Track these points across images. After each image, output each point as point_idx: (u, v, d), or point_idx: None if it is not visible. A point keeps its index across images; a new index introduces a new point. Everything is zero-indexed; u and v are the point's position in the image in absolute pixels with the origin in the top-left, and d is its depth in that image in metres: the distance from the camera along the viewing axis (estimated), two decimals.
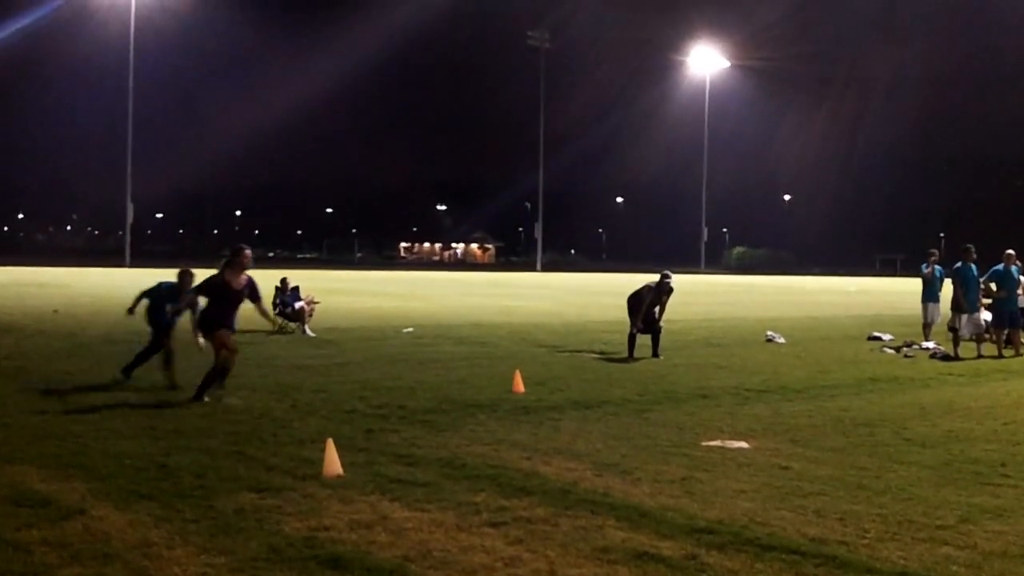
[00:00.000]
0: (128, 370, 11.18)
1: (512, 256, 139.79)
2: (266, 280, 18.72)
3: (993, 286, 16.91)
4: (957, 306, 16.53)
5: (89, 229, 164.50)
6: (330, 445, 6.88)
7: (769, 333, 18.78)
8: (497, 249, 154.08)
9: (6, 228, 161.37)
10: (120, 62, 69.91)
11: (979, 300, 16.84)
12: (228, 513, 5.71)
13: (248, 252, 10.37)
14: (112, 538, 5.23)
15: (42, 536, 5.22)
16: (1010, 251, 17.21)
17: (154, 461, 7.00)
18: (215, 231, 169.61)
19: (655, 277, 15.63)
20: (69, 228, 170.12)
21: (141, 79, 71.23)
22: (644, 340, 14.98)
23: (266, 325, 17.88)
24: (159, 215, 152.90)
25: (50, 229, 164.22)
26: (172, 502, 5.92)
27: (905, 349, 16.92)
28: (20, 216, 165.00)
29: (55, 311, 21.49)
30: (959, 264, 16.85)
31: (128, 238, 70.16)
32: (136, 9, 68.03)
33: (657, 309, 15.27)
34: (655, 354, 14.78)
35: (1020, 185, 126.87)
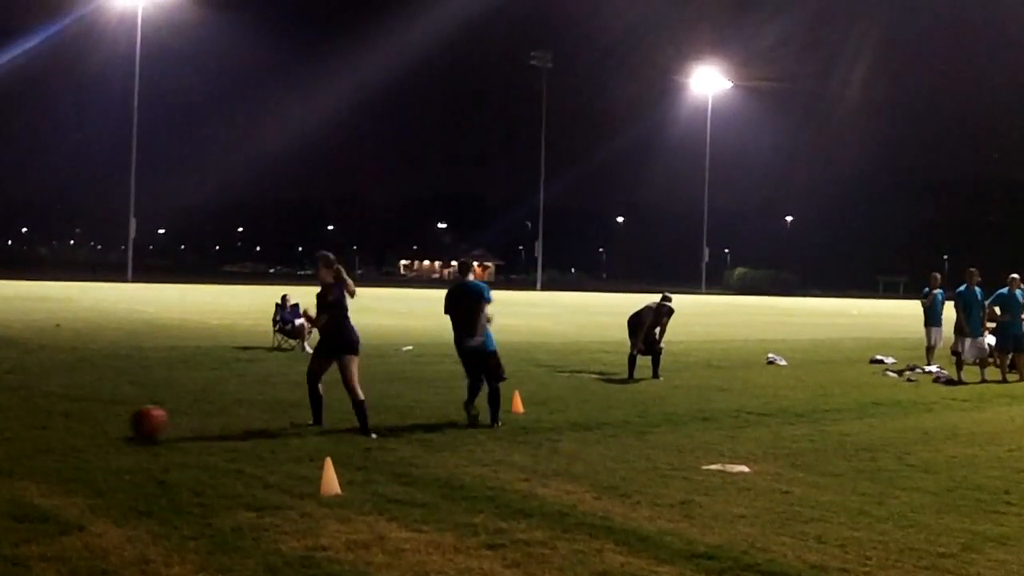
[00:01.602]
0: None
1: (512, 274, 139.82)
2: (267, 297, 18.78)
3: (997, 310, 16.89)
4: (960, 330, 16.51)
5: (92, 243, 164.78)
6: (328, 464, 6.86)
7: (770, 355, 18.75)
8: (497, 267, 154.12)
9: (9, 242, 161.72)
10: (125, 79, 70.37)
11: (983, 324, 16.82)
12: (226, 531, 5.68)
13: (322, 258, 9.57)
14: (110, 554, 5.20)
15: (41, 552, 5.20)
16: (1015, 275, 17.20)
17: (153, 477, 6.98)
18: (216, 247, 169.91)
19: (656, 298, 15.65)
20: (72, 242, 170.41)
21: (146, 96, 71.61)
22: (644, 361, 14.96)
23: (266, 341, 17.97)
24: (161, 230, 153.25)
25: (53, 243, 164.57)
26: (170, 519, 5.89)
27: (908, 373, 16.89)
28: (24, 230, 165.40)
29: (57, 325, 21.48)
30: (963, 287, 16.84)
31: (130, 253, 70.25)
32: (142, 27, 68.40)
33: (657, 330, 15.27)
34: (655, 375, 14.76)
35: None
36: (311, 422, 9.48)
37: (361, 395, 9.18)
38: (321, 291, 9.52)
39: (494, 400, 9.94)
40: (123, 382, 12.25)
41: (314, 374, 9.49)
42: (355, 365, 9.26)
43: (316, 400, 9.50)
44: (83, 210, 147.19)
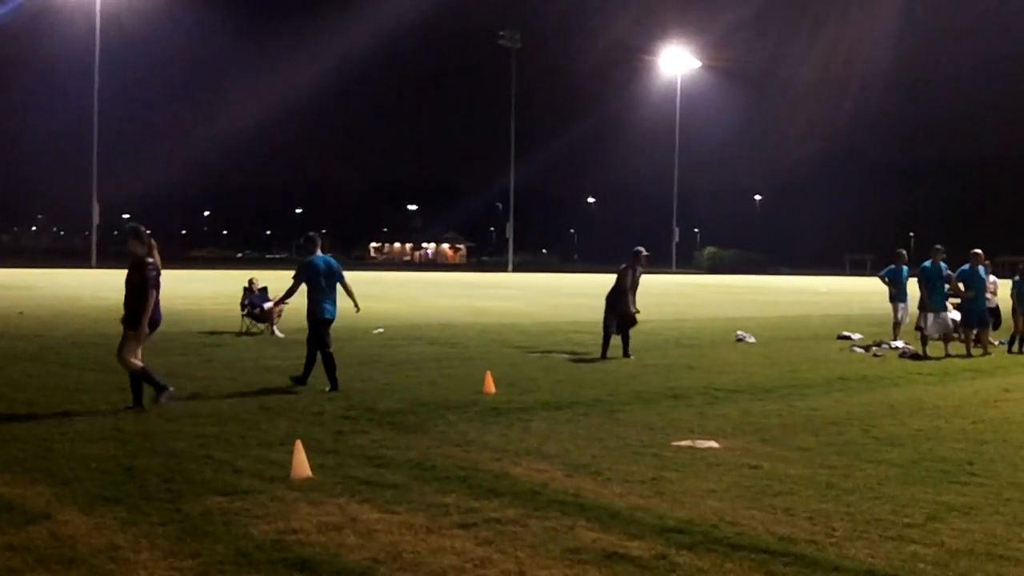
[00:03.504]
0: None
1: (483, 256, 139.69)
2: (234, 281, 18.62)
3: (961, 286, 17.11)
4: (923, 305, 16.72)
5: (55, 230, 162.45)
6: (299, 447, 6.82)
7: (739, 333, 18.90)
8: (468, 249, 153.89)
9: None
10: (86, 61, 69.15)
11: (946, 299, 17.03)
12: (195, 516, 5.64)
13: (133, 230, 9.44)
14: (78, 542, 5.15)
15: (6, 541, 5.13)
16: (977, 251, 17.43)
17: (120, 464, 6.91)
18: (183, 232, 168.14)
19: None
20: (34, 229, 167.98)
21: (108, 79, 70.61)
22: (614, 340, 15.01)
23: (234, 326, 17.82)
24: (126, 215, 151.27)
25: (15, 229, 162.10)
26: (138, 506, 5.84)
27: (874, 348, 17.08)
28: None
29: (20, 313, 21.18)
30: (927, 263, 17.03)
31: (94, 239, 69.33)
32: (102, 8, 67.24)
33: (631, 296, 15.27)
34: (626, 354, 14.82)
35: (988, 186, 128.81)
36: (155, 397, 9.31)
37: (138, 365, 9.20)
38: (136, 266, 9.26)
39: (334, 365, 10.81)
40: (88, 370, 12.10)
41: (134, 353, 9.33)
42: (145, 342, 9.33)
43: (148, 375, 9.35)
44: (45, 196, 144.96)
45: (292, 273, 11.45)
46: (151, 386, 9.32)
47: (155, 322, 9.38)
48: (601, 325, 15.22)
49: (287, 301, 11.09)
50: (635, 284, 15.38)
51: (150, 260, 9.29)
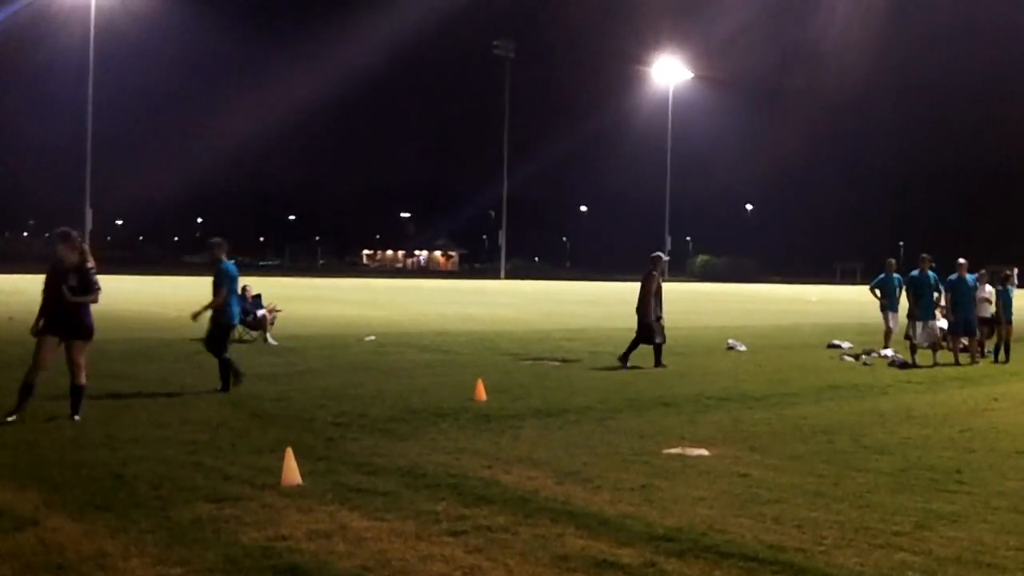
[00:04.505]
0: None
1: (476, 263, 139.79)
2: None
3: (948, 297, 17.19)
4: (911, 314, 16.81)
5: (46, 235, 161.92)
6: (289, 454, 6.82)
7: (730, 341, 18.94)
8: (461, 256, 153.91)
9: None
10: (80, 66, 68.95)
11: (935, 308, 17.12)
12: (185, 523, 5.64)
13: (61, 234, 9.21)
14: (66, 549, 5.14)
15: None
16: (962, 261, 17.52)
17: (110, 471, 6.90)
18: (175, 238, 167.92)
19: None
20: (25, 234, 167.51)
21: (101, 85, 70.37)
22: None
23: None
24: (119, 221, 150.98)
25: (6, 234, 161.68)
26: (128, 512, 5.83)
27: (864, 357, 17.15)
28: None
29: (10, 318, 21.10)
30: (915, 272, 17.14)
31: (87, 244, 68.92)
32: (97, 14, 67.16)
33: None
34: (621, 360, 14.76)
35: (977, 194, 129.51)
36: (12, 414, 8.87)
37: (84, 380, 9.06)
38: (60, 270, 9.01)
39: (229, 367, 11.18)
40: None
41: (42, 360, 9.14)
42: (86, 350, 9.15)
43: (28, 389, 9.10)
44: (37, 201, 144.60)
45: (213, 281, 11.47)
46: (78, 403, 9.05)
47: (90, 329, 9.18)
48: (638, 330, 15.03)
49: (219, 305, 11.10)
50: (659, 290, 15.31)
51: (90, 265, 9.07)
